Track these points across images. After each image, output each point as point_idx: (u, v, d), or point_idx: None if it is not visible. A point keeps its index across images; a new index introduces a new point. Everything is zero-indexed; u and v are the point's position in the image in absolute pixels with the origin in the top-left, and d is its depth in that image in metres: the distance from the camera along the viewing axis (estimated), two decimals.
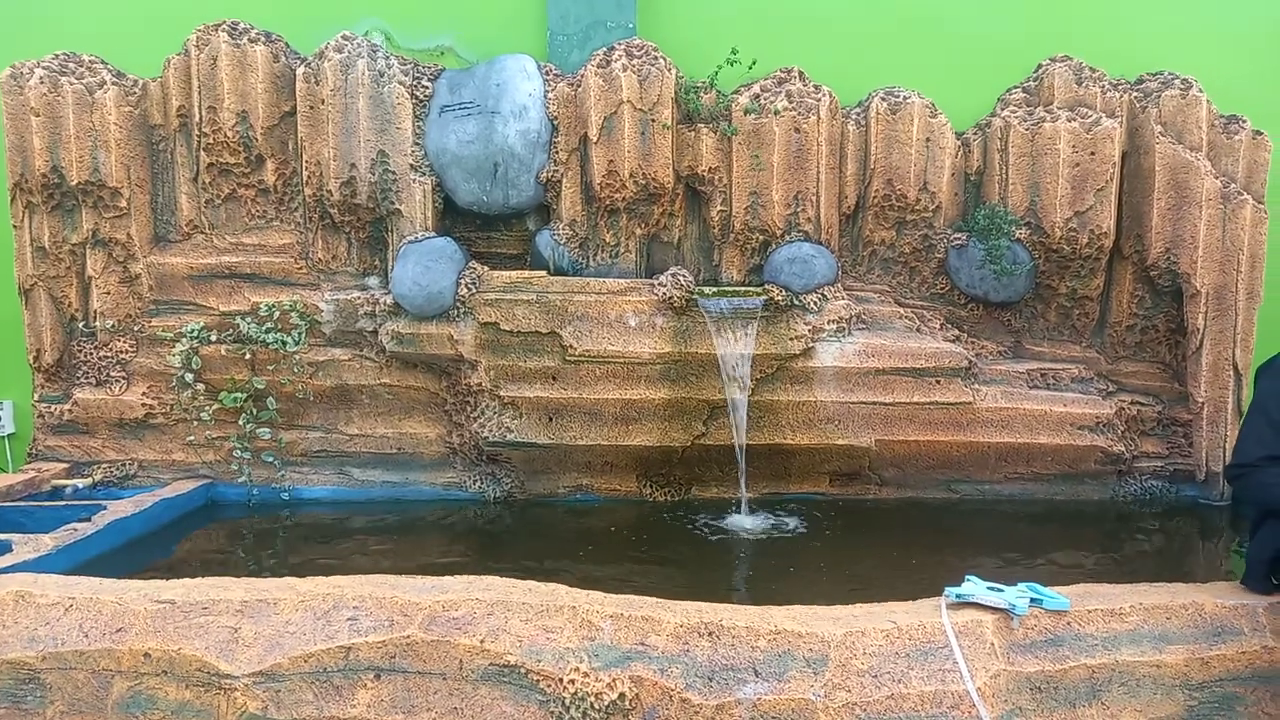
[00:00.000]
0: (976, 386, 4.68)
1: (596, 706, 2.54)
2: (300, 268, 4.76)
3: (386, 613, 2.75)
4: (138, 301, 4.75)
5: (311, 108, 4.54)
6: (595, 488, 4.89)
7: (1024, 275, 4.63)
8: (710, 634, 2.61)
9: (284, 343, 4.65)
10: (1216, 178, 4.51)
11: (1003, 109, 4.75)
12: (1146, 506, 4.80)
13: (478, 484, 4.91)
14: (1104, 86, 4.67)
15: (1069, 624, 2.78)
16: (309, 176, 4.60)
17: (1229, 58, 4.87)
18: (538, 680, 2.60)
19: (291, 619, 2.76)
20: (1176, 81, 4.64)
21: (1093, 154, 4.52)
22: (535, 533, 4.46)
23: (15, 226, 4.68)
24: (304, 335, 4.69)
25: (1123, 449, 4.74)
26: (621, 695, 2.54)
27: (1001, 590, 2.80)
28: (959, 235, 4.71)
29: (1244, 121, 4.61)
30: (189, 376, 4.65)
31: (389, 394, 4.80)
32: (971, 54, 4.86)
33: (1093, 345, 4.93)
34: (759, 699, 2.49)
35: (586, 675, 2.57)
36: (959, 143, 4.72)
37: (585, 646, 2.63)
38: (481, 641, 2.67)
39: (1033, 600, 2.79)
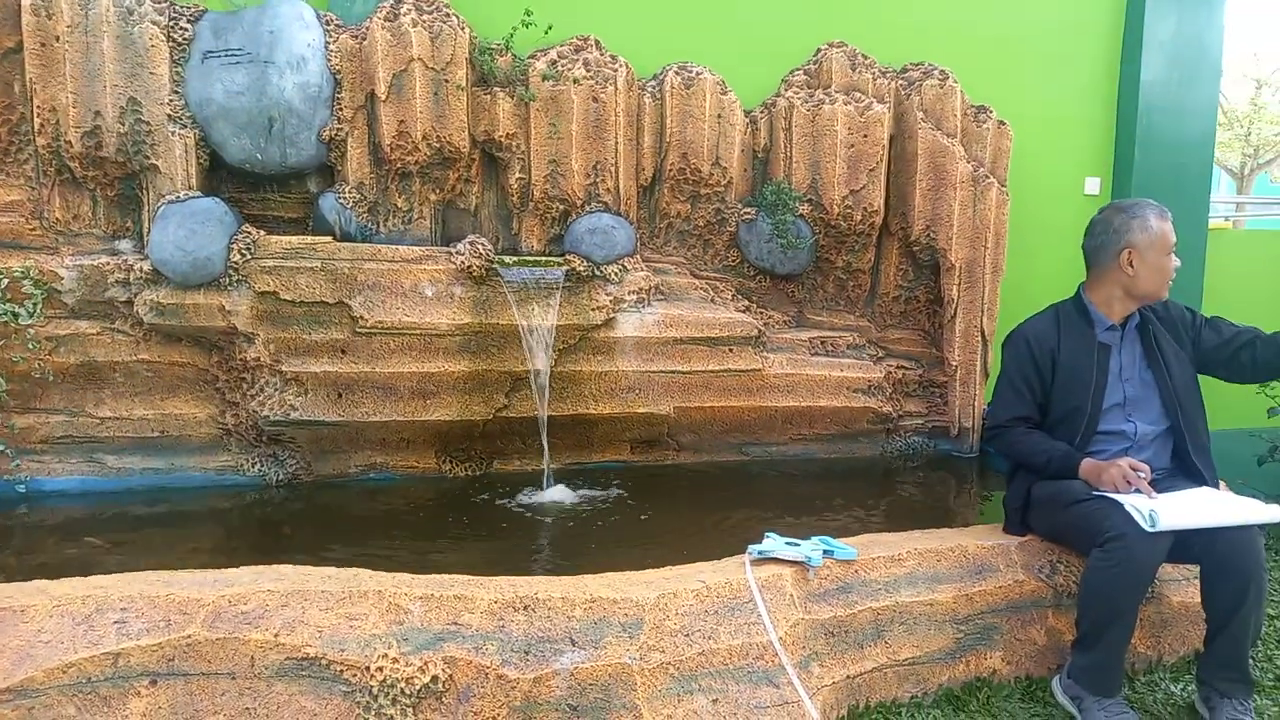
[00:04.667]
0: (765, 354, 4.93)
1: (407, 691, 2.42)
2: (33, 229, 4.14)
3: (161, 612, 2.47)
4: None
5: (43, 45, 3.93)
6: (390, 465, 4.67)
7: (807, 249, 4.91)
8: (526, 608, 2.56)
9: (15, 315, 4.04)
10: (968, 162, 5.00)
11: (787, 90, 4.98)
12: (909, 460, 5.28)
13: (257, 467, 4.53)
14: (875, 73, 5.02)
15: (856, 572, 2.99)
16: (41, 125, 3.99)
17: (978, 53, 5.38)
18: (341, 671, 2.44)
19: (45, 627, 2.41)
20: (936, 72, 5.06)
21: (865, 136, 4.85)
22: (327, 517, 4.17)
23: None
24: (40, 306, 4.09)
25: (890, 409, 5.18)
26: (434, 678, 2.44)
27: (798, 544, 2.97)
28: (748, 210, 4.90)
29: (990, 112, 5.12)
30: None
31: (148, 371, 4.30)
32: (757, 34, 5.05)
33: (864, 315, 5.34)
34: (576, 668, 2.48)
35: (396, 661, 2.44)
36: (748, 120, 4.90)
37: (394, 631, 2.50)
38: (276, 635, 2.46)
39: (825, 552, 2.98)
